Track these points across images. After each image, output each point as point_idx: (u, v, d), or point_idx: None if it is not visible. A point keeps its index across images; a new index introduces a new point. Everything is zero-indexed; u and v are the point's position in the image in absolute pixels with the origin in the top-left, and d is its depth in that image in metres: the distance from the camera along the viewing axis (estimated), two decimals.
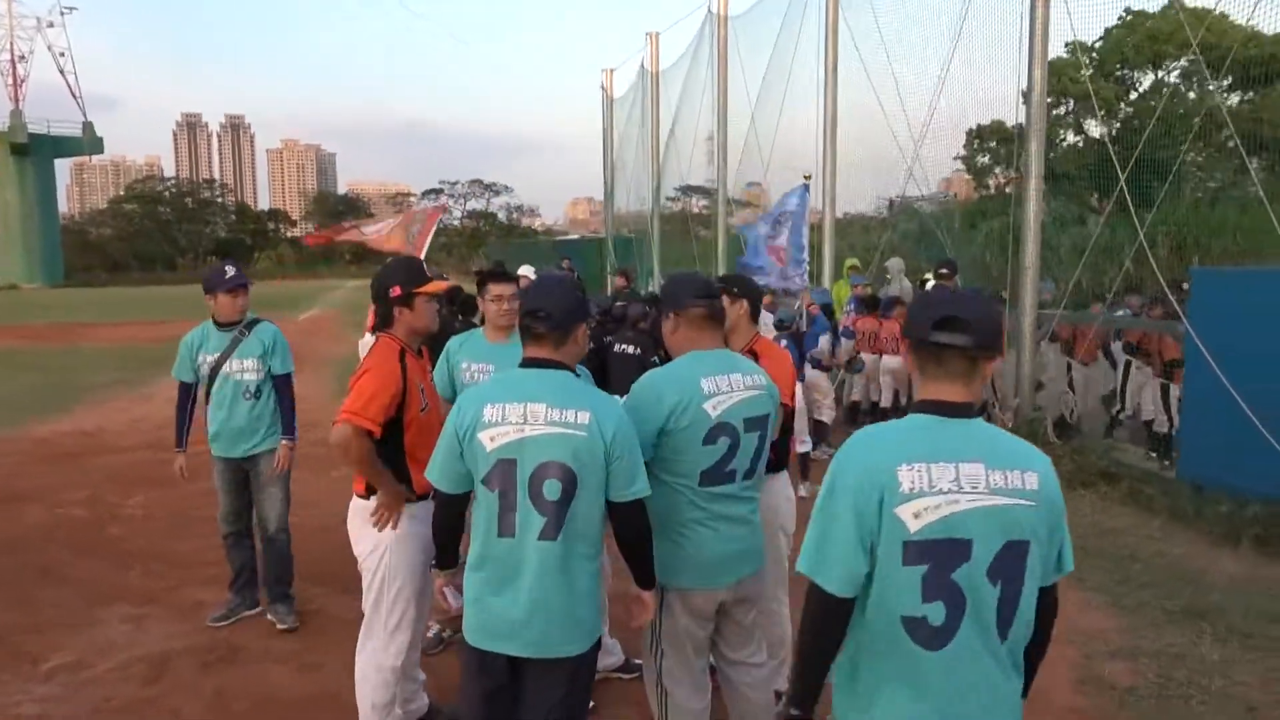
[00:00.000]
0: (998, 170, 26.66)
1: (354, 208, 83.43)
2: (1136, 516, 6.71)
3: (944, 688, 1.86)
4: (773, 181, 14.45)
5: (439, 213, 10.36)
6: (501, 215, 76.63)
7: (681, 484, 2.88)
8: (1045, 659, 1.96)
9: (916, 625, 1.86)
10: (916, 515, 1.84)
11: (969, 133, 28.52)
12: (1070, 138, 27.23)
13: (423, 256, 8.59)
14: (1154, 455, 8.25)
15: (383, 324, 3.37)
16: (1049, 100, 26.51)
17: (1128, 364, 8.88)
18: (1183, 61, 24.85)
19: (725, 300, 3.62)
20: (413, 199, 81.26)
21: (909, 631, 1.86)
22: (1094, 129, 27.82)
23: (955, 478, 1.85)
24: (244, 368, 4.77)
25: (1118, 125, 26.54)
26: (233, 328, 4.79)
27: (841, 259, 12.47)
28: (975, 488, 1.86)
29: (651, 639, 3.02)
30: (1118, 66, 26.15)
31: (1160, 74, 25.89)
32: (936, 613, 1.84)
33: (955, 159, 28.58)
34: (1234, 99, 26.30)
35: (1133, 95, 26.81)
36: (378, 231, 9.05)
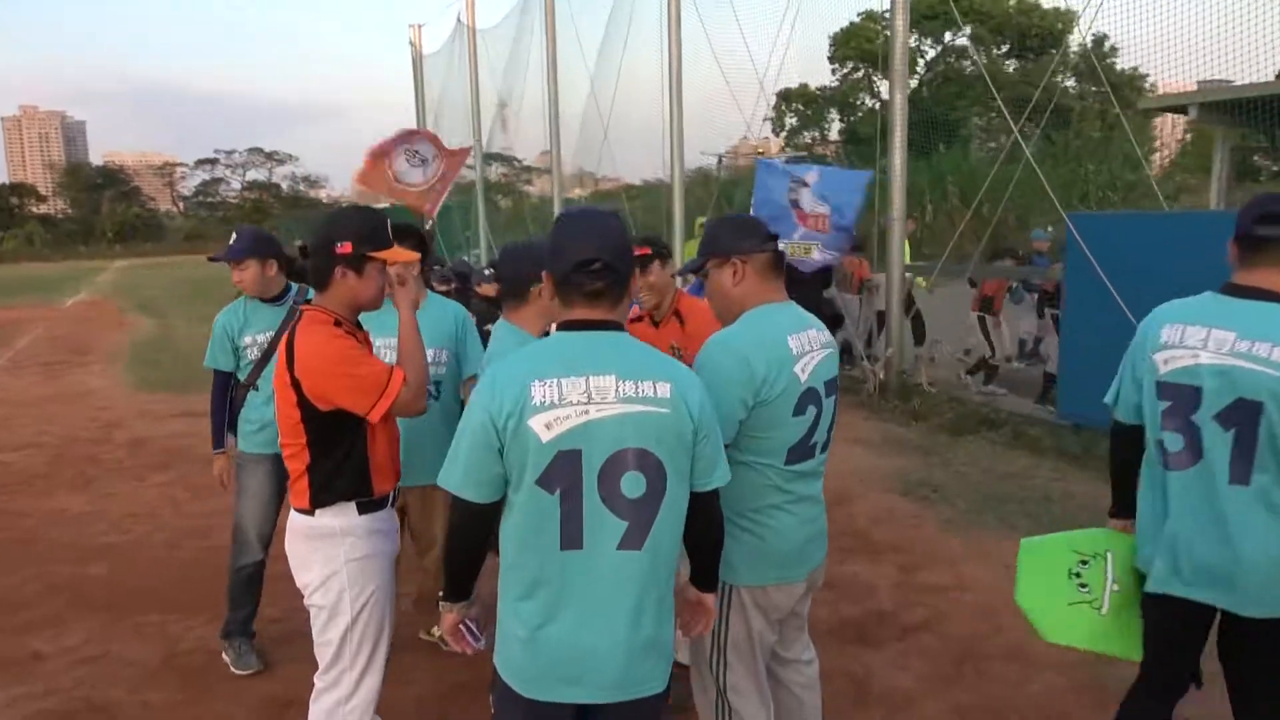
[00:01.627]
0: (805, 132, 27.62)
1: (115, 180, 75.08)
2: (1029, 459, 6.84)
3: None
4: (613, 150, 13.96)
5: (463, 156, 8.42)
6: (286, 186, 71.58)
7: (765, 464, 2.39)
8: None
9: None
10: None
11: (778, 95, 29.43)
12: (867, 101, 28.56)
13: (435, 215, 7.33)
14: (986, 388, 8.73)
15: (316, 285, 2.59)
16: (849, 66, 27.51)
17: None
18: (967, 30, 26.57)
19: (657, 263, 3.58)
20: (183, 169, 74.16)
21: None
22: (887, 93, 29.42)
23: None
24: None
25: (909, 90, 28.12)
26: (278, 302, 3.96)
27: (691, 217, 12.22)
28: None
29: (713, 650, 2.51)
30: (911, 34, 27.62)
31: (948, 40, 27.53)
32: None
33: (764, 120, 29.42)
34: (1011, 65, 28.56)
35: (920, 63, 28.35)
36: (425, 182, 7.57)
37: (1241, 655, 2.42)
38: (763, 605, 2.51)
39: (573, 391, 1.92)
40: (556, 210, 14.96)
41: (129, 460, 7.74)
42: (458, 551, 2.09)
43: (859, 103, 28.46)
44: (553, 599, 1.96)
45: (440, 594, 2.16)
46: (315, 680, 2.69)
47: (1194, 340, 2.36)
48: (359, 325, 2.67)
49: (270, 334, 3.93)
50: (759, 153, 9.13)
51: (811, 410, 2.45)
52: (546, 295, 2.08)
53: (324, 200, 75.37)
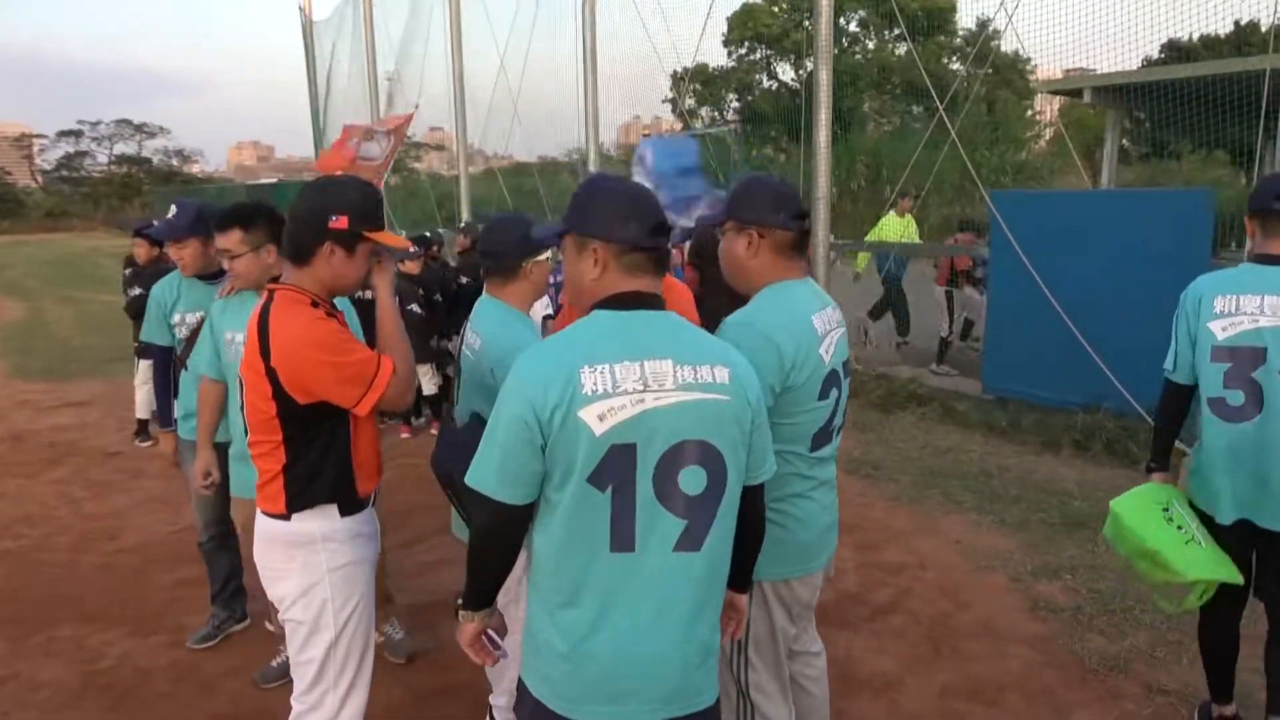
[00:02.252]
0: (703, 111, 27.57)
1: None
2: (960, 434, 6.96)
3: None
4: (519, 126, 13.56)
5: (406, 124, 7.63)
6: (157, 160, 67.44)
7: (789, 451, 2.25)
8: (984, 587, 1.63)
9: None
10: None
11: (674, 75, 29.32)
12: (765, 81, 28.77)
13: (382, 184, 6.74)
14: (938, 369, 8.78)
15: (295, 258, 2.28)
16: (744, 48, 27.64)
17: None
18: (860, 13, 27.02)
19: None
20: (42, 141, 68.98)
21: None
22: (785, 74, 29.66)
23: None
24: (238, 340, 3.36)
25: (805, 72, 28.39)
26: (214, 280, 3.70)
27: None
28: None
29: (734, 649, 2.37)
30: (806, 15, 27.77)
31: (841, 24, 27.85)
32: None
33: (664, 101, 29.23)
34: (902, 49, 29.22)
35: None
36: (381, 155, 7.05)
37: (1273, 566, 2.83)
38: (785, 599, 2.39)
39: (627, 378, 1.73)
40: (464, 187, 14.50)
41: (13, 456, 7.07)
42: (488, 559, 1.86)
43: (756, 83, 28.64)
44: (601, 607, 1.76)
45: (459, 602, 1.94)
46: (293, 703, 2.43)
47: (1250, 307, 2.70)
48: (335, 308, 2.40)
49: (200, 314, 3.70)
50: (645, 132, 8.91)
51: (834, 393, 2.34)
52: (592, 268, 1.84)
53: (198, 176, 71.49)
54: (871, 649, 3.78)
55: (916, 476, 5.97)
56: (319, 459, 2.30)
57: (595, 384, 1.71)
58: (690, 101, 28.67)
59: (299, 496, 2.31)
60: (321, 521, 2.34)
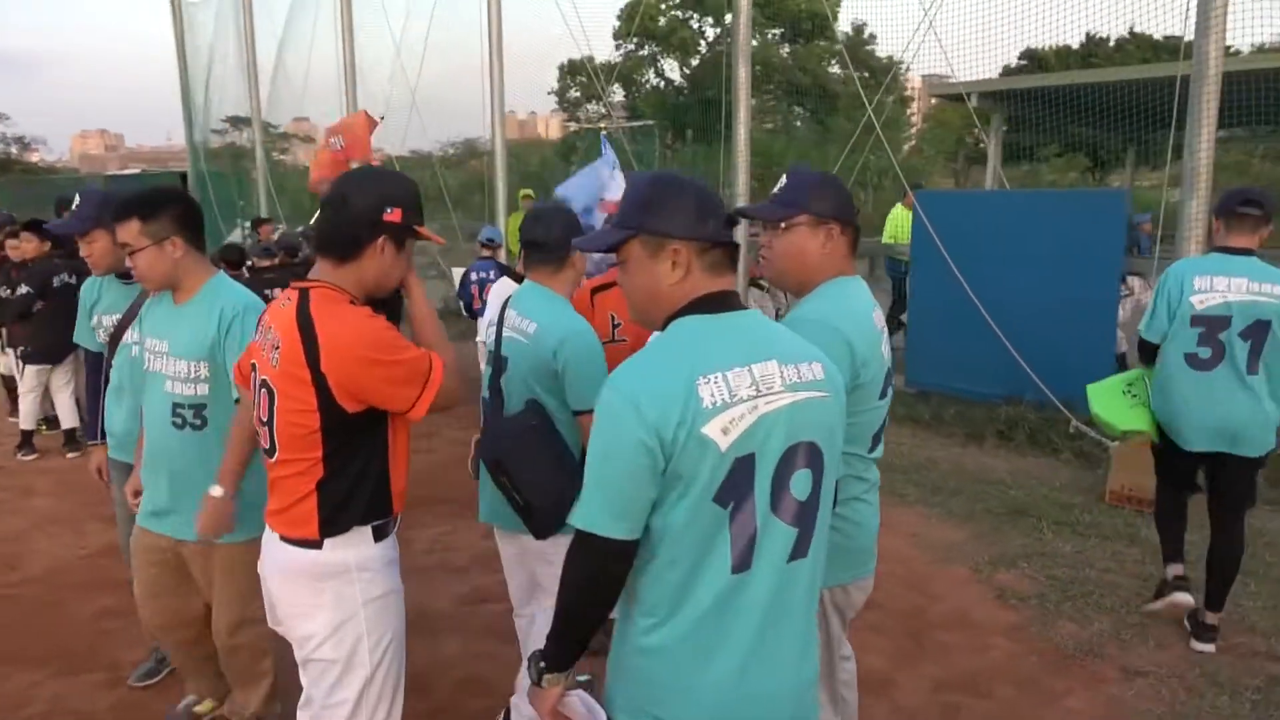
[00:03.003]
0: (589, 104, 27.44)
1: None
2: (890, 428, 7.10)
3: None
4: (420, 120, 13.09)
5: (365, 127, 6.98)
6: None
7: (852, 453, 2.19)
8: (949, 579, 1.69)
9: None
10: None
11: (560, 68, 29.04)
12: (652, 78, 28.89)
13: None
14: None
15: (341, 254, 2.06)
16: (634, 41, 27.61)
17: None
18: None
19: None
20: None
21: None
22: (671, 71, 29.85)
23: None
24: (162, 356, 2.86)
25: (690, 70, 28.70)
26: (132, 280, 3.06)
27: (514, 189, 11.75)
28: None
29: None
30: (693, 14, 28.12)
31: (728, 21, 28.24)
32: None
33: (549, 93, 28.95)
34: (785, 49, 29.89)
35: (701, 44, 29.02)
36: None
37: (1223, 483, 3.73)
38: (841, 605, 2.36)
39: (740, 385, 1.61)
40: (263, 183, 13.88)
41: None
42: (593, 608, 1.67)
43: (643, 79, 28.71)
44: (716, 636, 1.63)
45: (541, 664, 1.72)
46: None
47: (1221, 286, 3.55)
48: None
49: (117, 316, 3.34)
50: (603, 128, 8.61)
51: (890, 392, 2.32)
52: (670, 271, 1.68)
53: (39, 165, 66.18)
54: (856, 647, 3.74)
55: None
56: (357, 475, 2.10)
57: (714, 395, 1.59)
58: (575, 94, 28.59)
59: (334, 518, 2.10)
60: (355, 549, 2.13)
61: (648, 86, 28.35)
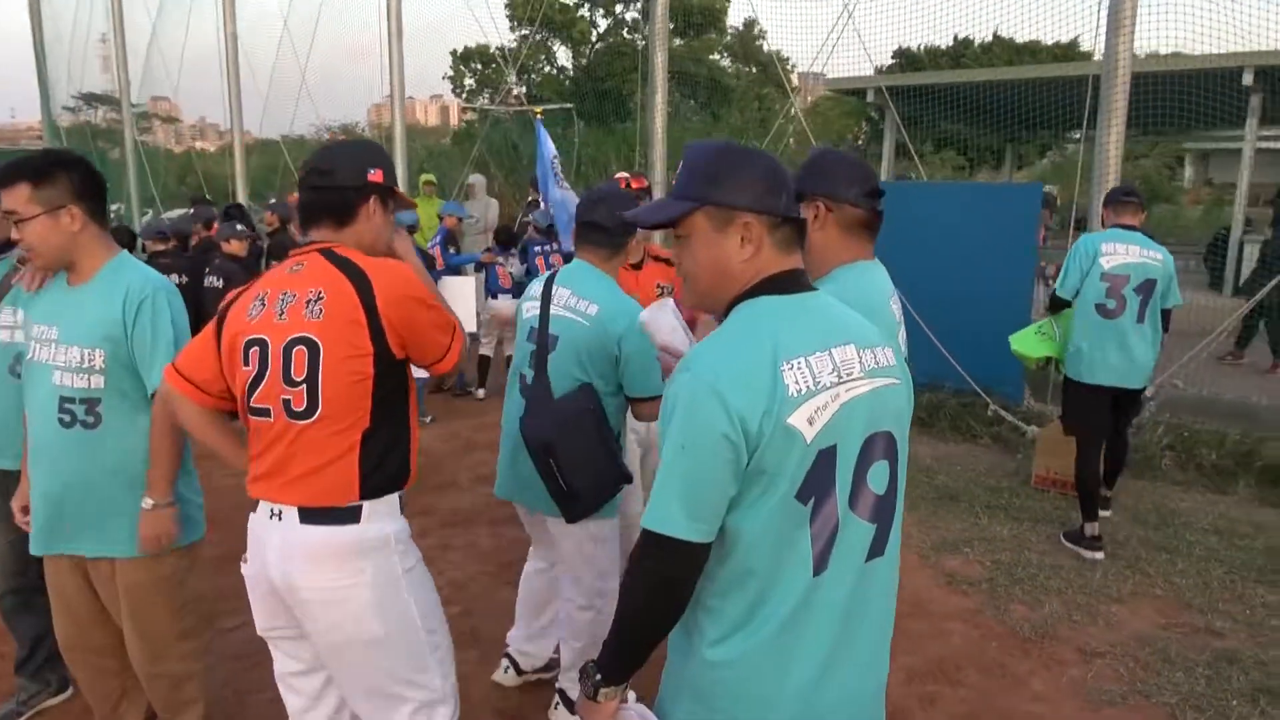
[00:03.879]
0: (486, 91, 26.77)
1: None
2: None
3: None
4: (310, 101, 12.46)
5: None
6: None
7: None
8: (902, 566, 1.74)
9: None
10: None
11: (453, 54, 28.26)
12: (547, 66, 28.42)
13: None
14: None
15: (337, 218, 2.09)
16: (530, 28, 27.18)
17: None
18: (637, 4, 27.34)
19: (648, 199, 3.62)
20: None
21: None
22: (564, 59, 29.49)
23: None
24: (50, 344, 2.49)
25: (585, 59, 28.43)
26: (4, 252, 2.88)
27: (415, 174, 11.31)
28: None
29: None
30: (586, 3, 27.77)
31: (618, 12, 28.09)
32: None
33: (443, 78, 28.12)
34: (677, 42, 29.94)
35: (594, 34, 28.75)
36: None
37: (1121, 410, 4.73)
38: None
39: (823, 371, 1.48)
40: (240, 163, 13.12)
41: None
42: (663, 618, 1.50)
43: (538, 66, 28.26)
44: (795, 643, 1.50)
45: (597, 676, 1.55)
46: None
47: (1122, 250, 4.53)
48: None
49: None
50: (537, 112, 8.13)
51: None
52: (740, 247, 1.53)
53: None
54: None
55: None
56: (395, 433, 2.06)
57: (798, 382, 1.45)
58: (470, 82, 27.89)
59: (372, 477, 2.02)
60: (391, 520, 2.07)
61: (543, 74, 27.87)
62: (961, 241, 6.93)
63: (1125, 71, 5.96)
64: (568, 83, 26.93)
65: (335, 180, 2.07)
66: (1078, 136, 22.48)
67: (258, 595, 2.09)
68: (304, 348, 1.98)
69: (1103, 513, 4.83)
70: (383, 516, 2.03)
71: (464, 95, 27.29)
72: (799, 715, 1.51)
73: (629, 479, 2.74)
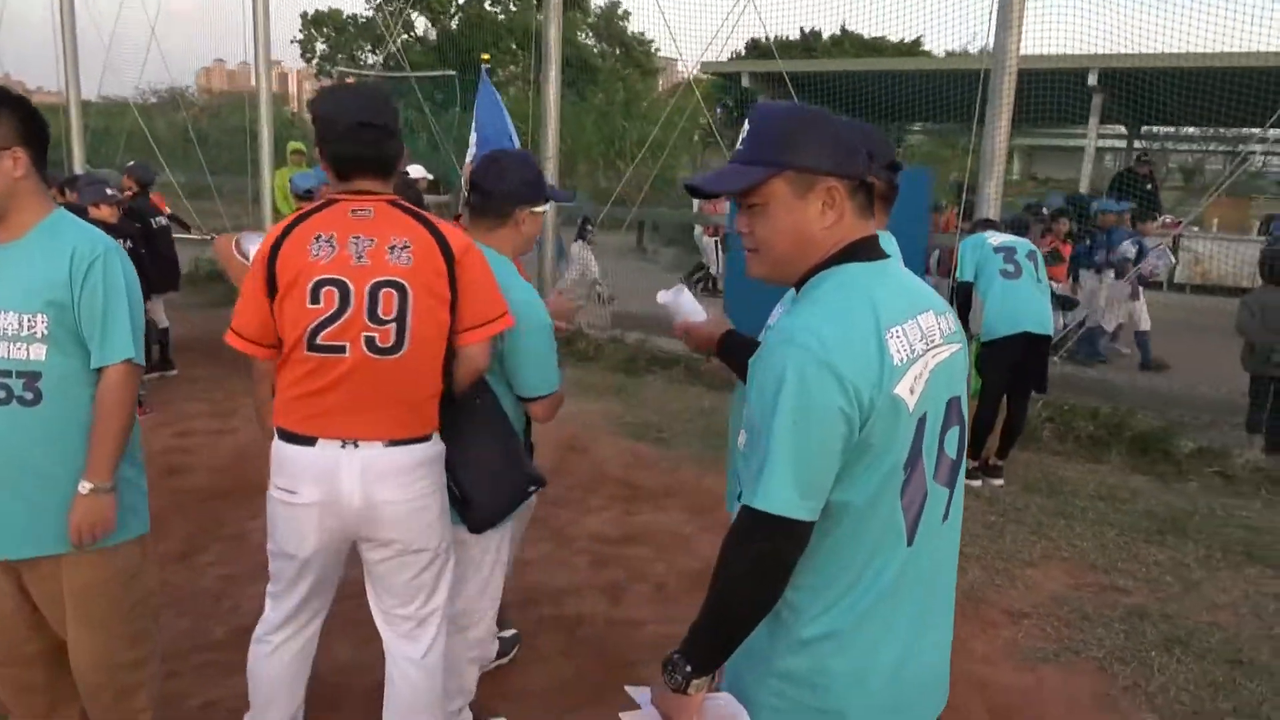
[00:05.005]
0: (339, 58, 25.56)
1: None
2: (713, 394, 7.22)
3: None
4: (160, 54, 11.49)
5: None
6: None
7: None
8: None
9: None
10: None
11: (302, 16, 26.76)
12: (404, 34, 27.40)
13: None
14: None
15: (387, 170, 2.28)
16: None
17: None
18: None
19: None
20: None
21: None
22: (422, 28, 28.52)
23: None
24: None
25: (453, 27, 27.59)
26: None
27: (281, 141, 10.66)
28: None
29: None
30: None
31: None
32: None
33: (292, 42, 26.61)
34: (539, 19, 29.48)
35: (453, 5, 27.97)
36: None
37: (1028, 364, 5.37)
38: None
39: (915, 338, 1.48)
40: (77, 124, 11.98)
41: None
42: (759, 601, 1.45)
43: (398, 35, 27.20)
44: (890, 616, 1.50)
45: (687, 668, 1.46)
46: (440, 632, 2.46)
47: (1000, 238, 5.53)
48: None
49: None
50: (485, 59, 7.60)
51: None
52: (822, 213, 1.48)
53: None
54: None
55: (703, 438, 6.10)
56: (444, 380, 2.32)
57: (899, 351, 1.44)
58: (322, 46, 26.54)
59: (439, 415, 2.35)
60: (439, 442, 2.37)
61: (399, 43, 26.87)
62: None
63: (1013, 67, 6.31)
64: (430, 53, 26.13)
65: (382, 134, 2.20)
66: (918, 128, 23.74)
67: (321, 521, 2.24)
68: (393, 290, 2.16)
69: (996, 481, 5.41)
70: (437, 440, 2.35)
71: (314, 61, 25.97)
72: (889, 688, 1.52)
73: (540, 482, 2.53)
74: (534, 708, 3.04)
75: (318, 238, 2.16)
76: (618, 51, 29.39)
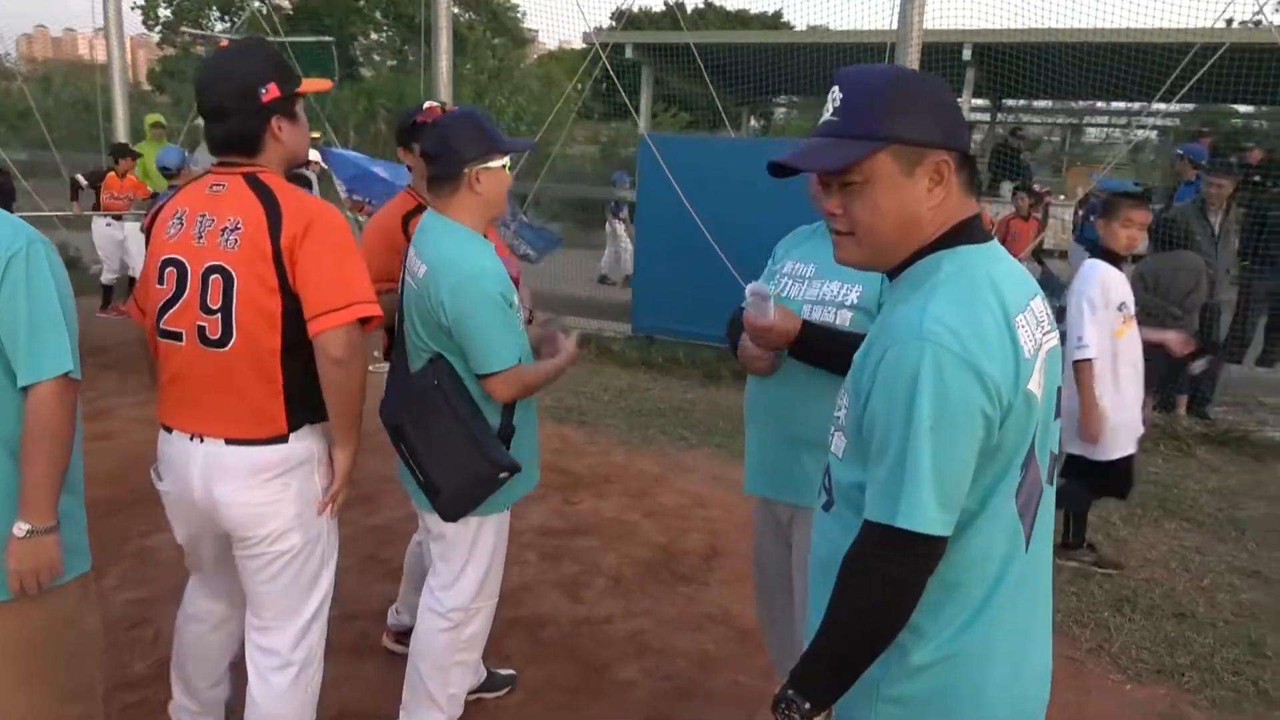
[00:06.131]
0: (184, 28, 23.69)
1: None
2: (629, 373, 7.10)
3: None
4: None
5: None
6: None
7: None
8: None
9: None
10: None
11: None
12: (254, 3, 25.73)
13: None
14: None
15: (245, 148, 2.09)
16: None
17: None
18: None
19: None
20: None
21: None
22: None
23: None
24: None
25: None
26: None
27: (139, 114, 9.80)
28: None
29: None
30: None
31: None
32: None
33: (133, 9, 24.49)
34: None
35: None
36: None
37: None
38: None
39: (1034, 326, 1.38)
40: None
41: None
42: (895, 622, 1.31)
43: (240, 4, 25.55)
44: (1012, 624, 1.40)
45: (805, 705, 1.34)
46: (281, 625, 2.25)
47: None
48: None
49: None
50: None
51: None
52: (930, 191, 1.34)
53: None
54: (739, 598, 3.67)
55: (626, 418, 5.95)
56: (307, 368, 2.07)
57: (1026, 341, 1.34)
58: (165, 12, 24.57)
59: (297, 411, 2.13)
60: (316, 439, 2.18)
61: (248, 11, 25.24)
62: (764, 197, 7.08)
63: (918, 40, 6.38)
64: (285, 22, 24.66)
65: (226, 116, 2.04)
66: (783, 101, 24.14)
67: (177, 511, 2.22)
68: (219, 277, 2.01)
69: None
70: (308, 436, 2.14)
71: (157, 28, 24.06)
72: (1005, 698, 1.42)
73: (513, 468, 2.34)
74: None
75: (176, 213, 2.09)
76: (485, 20, 28.57)
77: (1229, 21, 8.92)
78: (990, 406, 1.25)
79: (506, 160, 2.37)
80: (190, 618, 2.44)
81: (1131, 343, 3.73)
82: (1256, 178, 7.28)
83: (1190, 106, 16.68)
